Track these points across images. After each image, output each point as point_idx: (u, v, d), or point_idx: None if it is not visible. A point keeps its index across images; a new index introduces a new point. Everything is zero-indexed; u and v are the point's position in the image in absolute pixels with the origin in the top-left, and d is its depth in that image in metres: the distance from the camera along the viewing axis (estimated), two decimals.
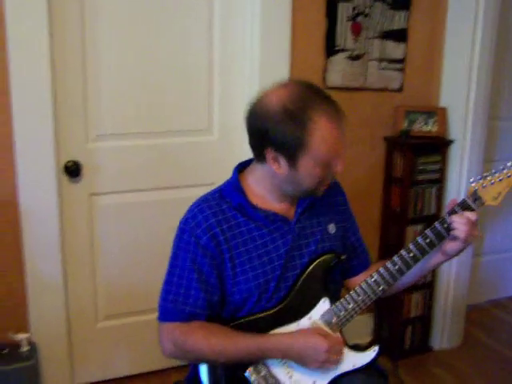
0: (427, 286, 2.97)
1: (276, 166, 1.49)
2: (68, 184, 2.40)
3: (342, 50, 2.62)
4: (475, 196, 1.56)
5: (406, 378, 2.78)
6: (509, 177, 1.58)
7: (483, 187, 1.57)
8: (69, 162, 2.37)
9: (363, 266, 1.79)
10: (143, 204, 2.54)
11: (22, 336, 2.33)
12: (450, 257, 1.59)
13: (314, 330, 1.51)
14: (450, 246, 1.56)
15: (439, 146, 2.81)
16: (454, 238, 1.54)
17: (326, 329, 1.54)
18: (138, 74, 2.42)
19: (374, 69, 2.72)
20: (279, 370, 1.53)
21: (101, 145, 2.44)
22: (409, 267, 1.56)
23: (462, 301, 3.07)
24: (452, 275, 2.98)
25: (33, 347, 2.35)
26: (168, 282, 1.55)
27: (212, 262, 1.50)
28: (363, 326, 3.04)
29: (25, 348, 2.32)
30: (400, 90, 2.82)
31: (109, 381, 2.65)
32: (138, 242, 2.54)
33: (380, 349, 1.57)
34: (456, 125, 2.81)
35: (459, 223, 1.52)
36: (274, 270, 1.55)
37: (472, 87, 2.74)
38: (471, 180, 1.60)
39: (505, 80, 3.20)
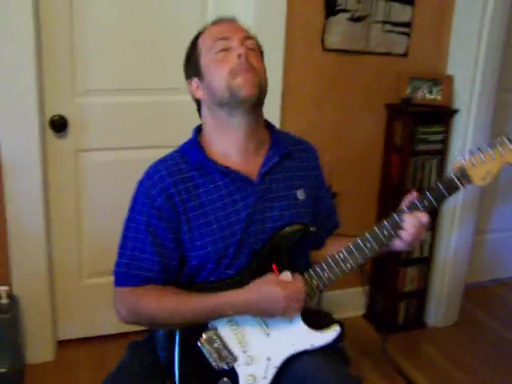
0: (424, 260, 2.89)
1: (198, 92, 1.53)
2: (53, 139, 2.37)
3: (344, 11, 2.50)
4: (463, 173, 1.46)
5: (395, 353, 2.72)
6: (502, 155, 1.45)
7: (473, 165, 1.46)
8: (55, 116, 2.33)
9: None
10: (130, 162, 2.48)
11: (1, 288, 2.34)
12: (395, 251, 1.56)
13: (269, 280, 1.43)
14: (395, 243, 1.51)
15: (442, 115, 2.69)
16: (400, 238, 1.49)
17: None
18: (127, 30, 2.36)
19: (378, 32, 2.59)
20: (233, 343, 1.46)
21: (88, 100, 2.40)
22: (380, 245, 1.50)
23: (459, 278, 2.98)
24: (450, 252, 2.88)
25: (13, 300, 2.37)
26: (122, 247, 1.50)
27: (168, 225, 1.45)
28: (357, 298, 2.98)
29: (4, 300, 2.33)
30: (405, 55, 2.69)
31: (92, 338, 2.65)
32: (125, 199, 2.46)
33: (342, 330, 1.49)
34: (462, 94, 2.68)
35: (409, 224, 1.47)
36: (233, 235, 1.47)
37: (481, 56, 2.59)
38: (458, 157, 1.49)
39: None
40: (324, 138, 2.66)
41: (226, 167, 1.48)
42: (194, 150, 1.51)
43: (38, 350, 2.49)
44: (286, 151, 1.57)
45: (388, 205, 2.77)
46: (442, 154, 2.71)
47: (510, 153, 1.45)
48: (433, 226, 2.84)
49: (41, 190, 2.33)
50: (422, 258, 2.87)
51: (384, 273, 2.87)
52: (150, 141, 2.49)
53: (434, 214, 2.81)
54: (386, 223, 1.49)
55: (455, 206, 2.81)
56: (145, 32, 2.38)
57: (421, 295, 2.95)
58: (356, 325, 2.95)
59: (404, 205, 1.51)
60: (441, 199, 1.48)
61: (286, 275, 1.46)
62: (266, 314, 1.43)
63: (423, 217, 1.47)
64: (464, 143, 2.69)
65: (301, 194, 1.58)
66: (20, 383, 2.36)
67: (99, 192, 2.50)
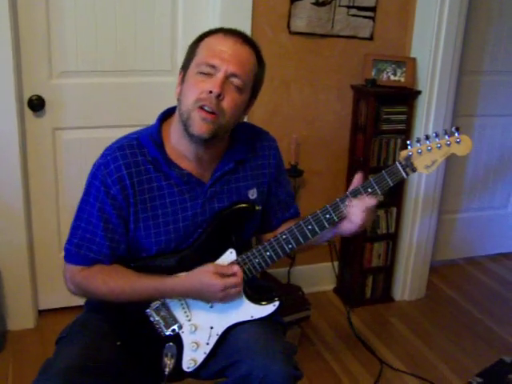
0: (390, 236, 2.99)
1: (178, 86, 1.53)
2: (32, 118, 2.50)
3: None
4: (408, 162, 1.49)
5: (360, 325, 2.85)
6: (448, 145, 1.48)
7: (418, 153, 1.48)
8: (33, 96, 2.46)
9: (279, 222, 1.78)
10: (104, 140, 2.55)
11: None
12: (346, 235, 1.59)
13: (208, 271, 1.50)
14: (345, 226, 1.55)
15: (405, 96, 2.79)
16: (351, 221, 1.53)
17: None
18: (102, 13, 2.47)
19: (343, 15, 2.69)
20: (178, 313, 1.56)
21: (65, 81, 2.52)
22: (322, 229, 1.55)
23: (425, 255, 3.08)
24: (416, 229, 2.99)
25: None
26: (75, 226, 1.56)
27: (119, 213, 1.52)
28: (328, 273, 3.09)
29: None
30: (370, 38, 2.79)
31: (71, 308, 2.77)
32: None
33: (280, 304, 1.58)
34: (424, 76, 2.78)
35: (357, 207, 1.50)
36: (176, 231, 1.56)
37: (441, 39, 2.69)
38: (408, 142, 1.52)
39: (489, 35, 3.12)
40: (291, 117, 2.78)
41: (181, 169, 1.54)
42: (152, 146, 1.53)
43: (19, 317, 2.64)
44: (241, 158, 1.62)
45: None
46: (405, 133, 2.81)
47: (456, 143, 1.48)
48: (398, 204, 2.94)
49: (20, 165, 2.46)
50: (389, 235, 2.98)
51: (351, 248, 2.98)
52: (124, 119, 2.60)
53: (399, 189, 2.91)
54: (328, 207, 1.53)
55: (419, 184, 2.91)
56: (120, 15, 2.50)
57: (388, 270, 3.05)
58: (326, 298, 3.07)
59: (348, 191, 1.54)
60: (384, 187, 1.52)
61: (229, 256, 1.56)
62: (206, 300, 1.54)
63: (370, 200, 1.50)
64: (426, 123, 2.80)
65: (252, 194, 1.65)
66: (2, 347, 2.51)
67: (75, 167, 2.61)
